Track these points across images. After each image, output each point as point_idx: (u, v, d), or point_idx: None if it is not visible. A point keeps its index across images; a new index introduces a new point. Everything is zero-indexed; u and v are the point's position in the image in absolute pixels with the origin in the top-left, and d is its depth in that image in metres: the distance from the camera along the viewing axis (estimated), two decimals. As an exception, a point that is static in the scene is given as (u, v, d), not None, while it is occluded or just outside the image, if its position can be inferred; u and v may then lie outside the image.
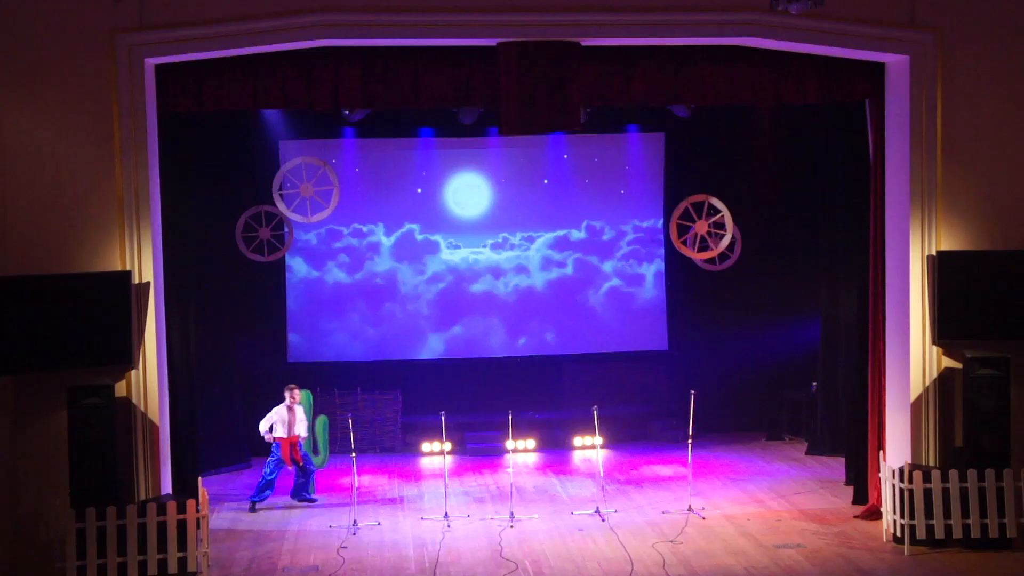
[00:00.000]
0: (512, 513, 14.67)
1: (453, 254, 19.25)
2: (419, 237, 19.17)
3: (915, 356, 13.86)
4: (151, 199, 13.09)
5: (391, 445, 18.46)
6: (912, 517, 13.23)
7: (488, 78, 13.68)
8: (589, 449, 15.95)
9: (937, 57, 13.68)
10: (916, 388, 13.87)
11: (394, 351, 19.24)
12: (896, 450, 14.07)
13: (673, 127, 18.77)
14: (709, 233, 16.21)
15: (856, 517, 14.54)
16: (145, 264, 13.01)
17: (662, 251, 19.42)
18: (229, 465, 17.53)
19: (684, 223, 16.43)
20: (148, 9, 12.87)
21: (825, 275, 17.52)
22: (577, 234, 19.43)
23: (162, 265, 13.40)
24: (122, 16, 12.80)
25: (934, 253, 13.75)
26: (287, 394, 15.68)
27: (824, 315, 17.88)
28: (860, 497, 14.95)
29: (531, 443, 18.01)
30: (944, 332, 13.68)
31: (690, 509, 14.78)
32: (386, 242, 19.12)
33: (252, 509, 15.35)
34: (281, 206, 15.57)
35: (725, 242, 16.23)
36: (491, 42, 13.51)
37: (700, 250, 16.40)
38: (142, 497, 12.95)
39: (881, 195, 14.44)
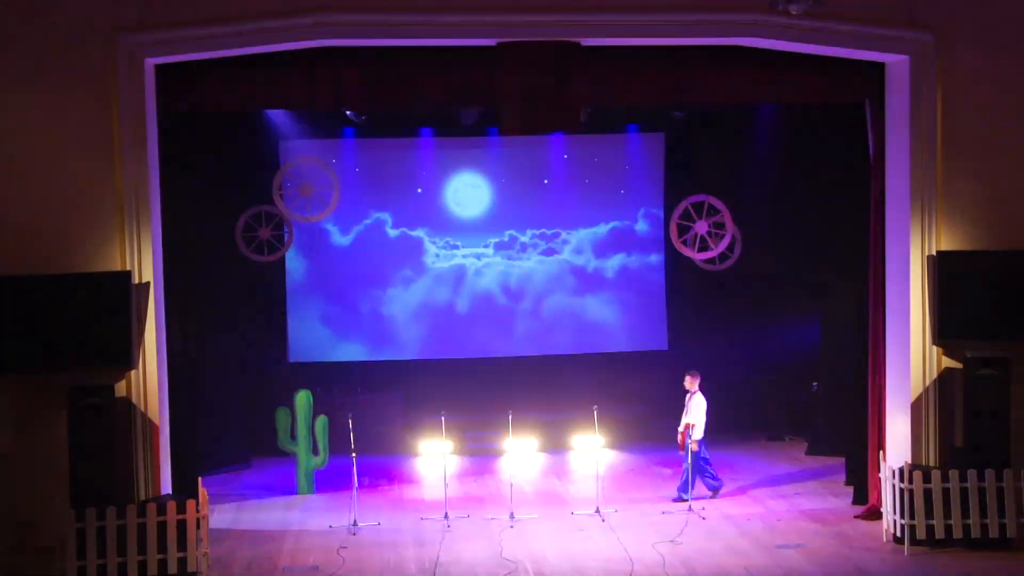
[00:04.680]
0: (512, 513, 14.67)
1: (452, 254, 19.25)
2: (418, 237, 19.17)
3: (915, 356, 13.86)
4: (151, 199, 13.09)
5: (391, 445, 18.44)
6: (912, 517, 13.23)
7: (488, 78, 13.68)
8: (589, 449, 15.96)
9: (937, 57, 13.68)
10: (916, 388, 13.88)
11: (394, 351, 19.25)
12: (896, 450, 14.07)
13: (673, 127, 18.77)
14: (709, 233, 16.20)
15: (856, 517, 14.54)
16: (145, 264, 13.00)
17: (662, 251, 19.42)
18: (229, 465, 17.54)
19: (684, 223, 16.43)
20: (148, 9, 12.87)
21: (825, 275, 17.51)
22: (578, 234, 19.43)
23: (162, 265, 13.40)
24: (122, 16, 12.80)
25: (934, 253, 13.75)
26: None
27: (824, 315, 17.87)
28: (860, 497, 14.95)
29: (531, 443, 18.01)
30: (944, 332, 13.68)
31: (690, 509, 14.79)
32: (385, 242, 19.11)
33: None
34: (281, 206, 15.58)
35: (725, 242, 16.21)
36: (491, 42, 13.52)
37: (700, 250, 16.40)
38: (142, 497, 12.94)
39: (881, 195, 14.44)
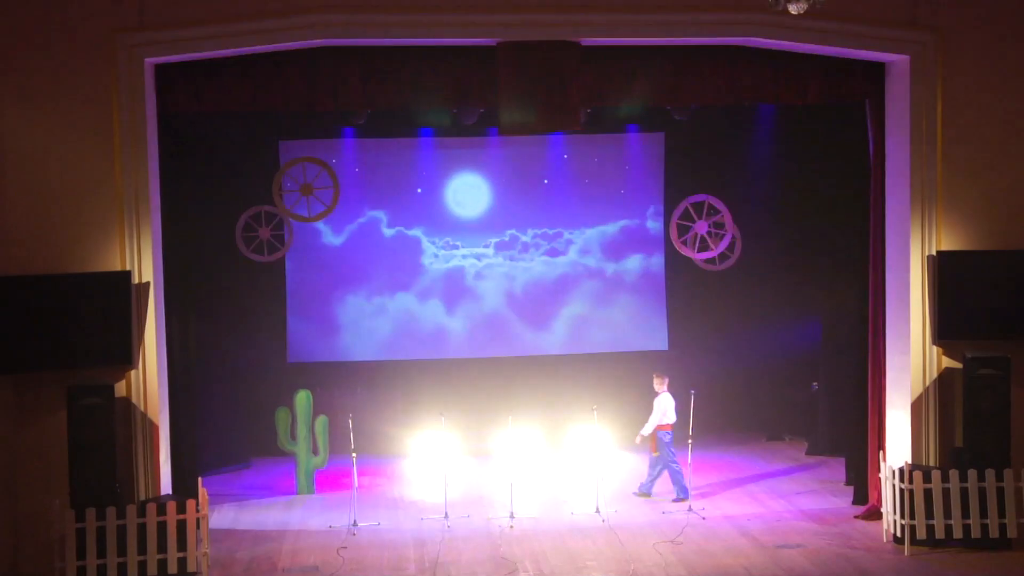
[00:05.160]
0: (512, 513, 14.67)
1: (452, 254, 19.23)
2: (418, 237, 19.15)
3: (915, 356, 13.86)
4: (151, 199, 13.09)
5: (391, 445, 18.43)
6: (912, 517, 13.23)
7: (488, 78, 13.69)
8: (589, 449, 15.96)
9: (937, 57, 13.68)
10: (916, 388, 13.88)
11: (394, 351, 19.24)
12: (896, 450, 14.08)
13: (673, 127, 18.73)
14: (709, 233, 16.21)
15: (856, 517, 14.54)
16: (145, 264, 13.01)
17: (662, 251, 19.41)
18: (229, 465, 17.53)
19: (684, 223, 16.43)
20: (148, 9, 12.88)
21: (825, 275, 17.51)
22: (577, 234, 19.42)
23: (162, 265, 13.41)
24: (122, 16, 12.81)
25: (934, 253, 13.76)
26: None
27: (824, 315, 17.87)
28: (860, 497, 14.95)
29: (531, 443, 17.99)
30: (944, 332, 13.68)
31: (690, 509, 14.79)
32: (385, 242, 19.10)
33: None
34: (281, 206, 15.58)
35: (725, 242, 16.22)
36: (491, 42, 13.53)
37: (700, 250, 16.40)
38: (142, 497, 12.95)
39: (881, 195, 14.44)
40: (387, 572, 12.91)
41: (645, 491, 15.70)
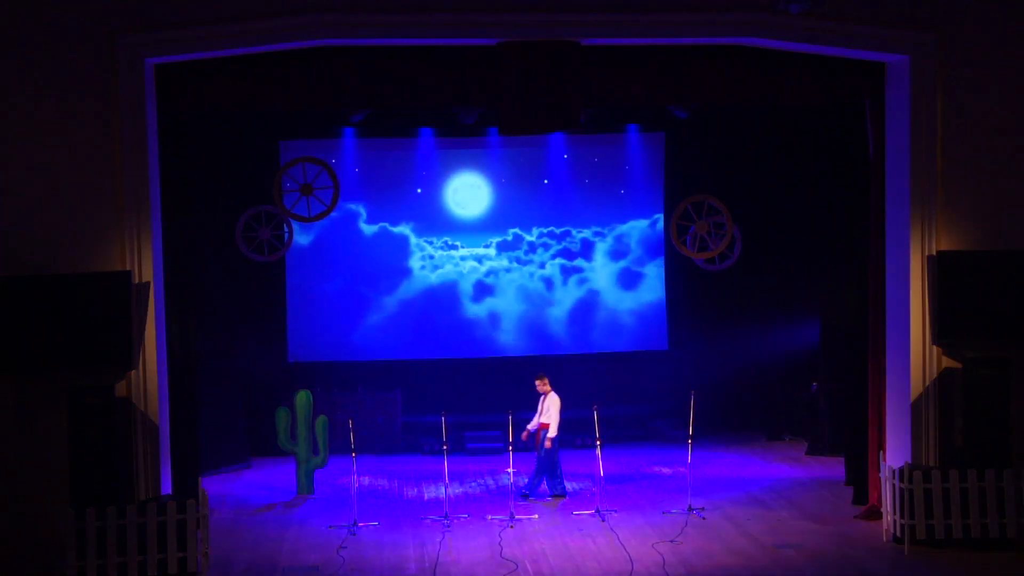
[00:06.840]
0: (512, 513, 14.67)
1: (452, 254, 19.25)
2: (418, 237, 19.18)
3: (915, 356, 13.86)
4: (151, 199, 13.09)
5: (391, 445, 18.46)
6: (912, 517, 13.23)
7: (488, 78, 13.69)
8: (589, 449, 15.99)
9: (937, 57, 13.67)
10: (916, 388, 13.87)
11: (394, 351, 19.25)
12: (896, 450, 14.07)
13: (673, 127, 18.77)
14: (709, 233, 16.20)
15: (856, 517, 14.54)
16: (145, 264, 13.00)
17: (662, 251, 19.43)
18: (229, 465, 17.53)
19: (684, 223, 16.43)
20: (148, 9, 12.87)
21: (825, 275, 17.51)
22: (577, 234, 19.44)
23: (162, 265, 13.40)
24: (122, 16, 12.80)
25: (934, 253, 13.75)
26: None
27: (824, 315, 17.88)
28: (860, 497, 14.95)
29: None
30: (944, 332, 13.68)
31: (690, 509, 14.79)
32: (384, 241, 19.11)
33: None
34: (281, 206, 15.57)
35: (725, 242, 16.21)
36: (491, 42, 13.52)
37: (700, 250, 16.39)
38: (142, 497, 12.94)
39: (881, 195, 14.44)
40: (387, 572, 12.91)
41: (556, 495, 15.69)
